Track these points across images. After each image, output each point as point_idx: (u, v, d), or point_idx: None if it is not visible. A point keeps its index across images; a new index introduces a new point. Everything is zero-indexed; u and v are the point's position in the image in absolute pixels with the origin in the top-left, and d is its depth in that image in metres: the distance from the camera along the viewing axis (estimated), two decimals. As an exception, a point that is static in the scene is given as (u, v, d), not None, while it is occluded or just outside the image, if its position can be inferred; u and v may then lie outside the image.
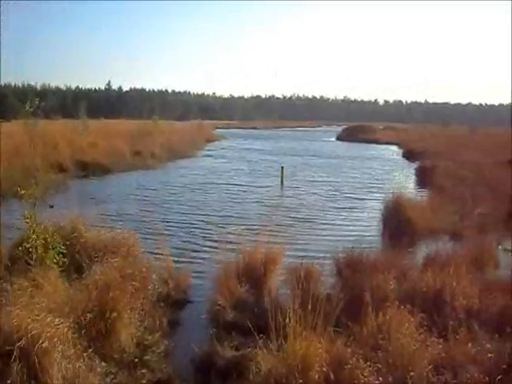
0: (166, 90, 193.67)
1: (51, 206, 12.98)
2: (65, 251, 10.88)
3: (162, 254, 12.27)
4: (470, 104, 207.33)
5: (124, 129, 53.87)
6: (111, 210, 18.16)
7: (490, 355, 7.25)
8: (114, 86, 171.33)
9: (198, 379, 7.95)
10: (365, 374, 6.50)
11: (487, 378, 6.61)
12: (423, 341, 7.48)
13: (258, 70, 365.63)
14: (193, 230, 17.89)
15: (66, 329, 7.15)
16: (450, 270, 10.05)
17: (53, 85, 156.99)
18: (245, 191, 27.43)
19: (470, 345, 7.55)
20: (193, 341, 8.62)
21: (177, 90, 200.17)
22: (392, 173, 36.67)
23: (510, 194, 20.55)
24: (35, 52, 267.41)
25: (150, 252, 12.86)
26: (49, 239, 10.54)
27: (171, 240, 14.46)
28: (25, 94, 43.56)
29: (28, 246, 10.30)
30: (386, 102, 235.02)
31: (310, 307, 7.18)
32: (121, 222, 14.00)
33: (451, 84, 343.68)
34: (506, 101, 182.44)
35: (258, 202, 24.06)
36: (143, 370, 7.91)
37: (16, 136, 35.53)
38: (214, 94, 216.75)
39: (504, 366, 6.81)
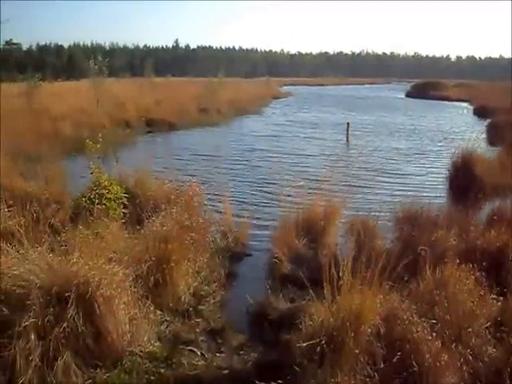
0: (234, 48, 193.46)
1: (117, 161, 13.19)
2: (127, 203, 11.13)
3: (223, 207, 12.39)
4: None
5: (190, 86, 54.09)
6: (174, 165, 18.28)
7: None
8: (182, 44, 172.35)
9: (252, 329, 8.06)
10: (418, 329, 6.38)
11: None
12: (481, 298, 7.27)
13: (327, 26, 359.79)
14: (254, 185, 18.02)
15: (123, 277, 7.30)
16: (515, 229, 9.74)
17: (121, 43, 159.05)
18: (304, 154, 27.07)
19: (530, 304, 7.34)
20: (248, 292, 8.69)
21: (244, 47, 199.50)
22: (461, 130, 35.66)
23: None
24: (103, 11, 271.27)
25: (212, 205, 12.98)
26: (112, 191, 10.77)
27: (232, 195, 14.47)
28: (93, 53, 44.14)
29: (92, 196, 10.56)
30: (458, 57, 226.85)
31: (365, 261, 7.09)
32: (185, 176, 14.09)
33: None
34: None
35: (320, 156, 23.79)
36: (198, 319, 8.06)
37: (83, 94, 36.38)
38: (281, 50, 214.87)
39: None
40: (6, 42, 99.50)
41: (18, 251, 7.07)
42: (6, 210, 9.52)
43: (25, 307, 6.24)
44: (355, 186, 16.36)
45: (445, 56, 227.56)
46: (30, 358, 5.99)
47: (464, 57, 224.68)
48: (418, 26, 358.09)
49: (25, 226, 7.96)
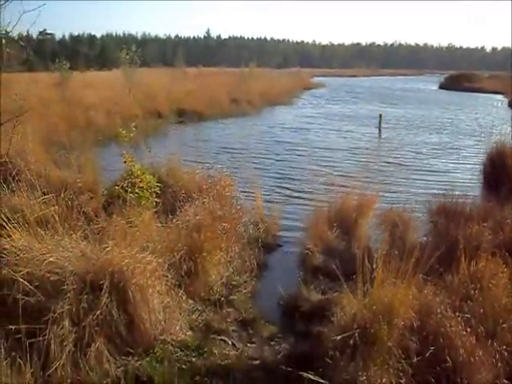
0: (265, 38, 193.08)
1: (149, 150, 13.24)
2: (159, 192, 11.16)
3: (254, 198, 12.39)
4: None
5: (221, 77, 54.11)
6: (205, 155, 18.26)
7: None
8: (213, 35, 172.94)
9: (283, 321, 8.04)
10: (452, 323, 6.29)
11: None
12: (516, 294, 7.15)
13: (360, 16, 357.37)
14: (284, 177, 17.91)
15: (157, 266, 7.32)
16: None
17: (153, 34, 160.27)
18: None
19: None
20: (280, 283, 8.67)
21: (276, 38, 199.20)
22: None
23: None
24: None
25: (243, 193, 13.04)
26: (145, 180, 10.81)
27: (263, 186, 14.41)
28: (125, 43, 44.48)
29: (125, 185, 10.60)
30: (493, 49, 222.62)
31: (399, 253, 7.02)
32: (216, 166, 14.10)
33: None
34: None
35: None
36: (229, 309, 8.06)
37: (116, 84, 36.61)
38: (313, 41, 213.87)
39: None
40: (40, 33, 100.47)
41: (52, 238, 7.14)
42: (41, 197, 9.60)
43: (59, 294, 6.30)
44: (387, 183, 16.17)
45: (479, 47, 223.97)
46: (64, 344, 6.04)
47: (499, 48, 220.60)
48: (452, 18, 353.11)
49: (59, 214, 8.03)
